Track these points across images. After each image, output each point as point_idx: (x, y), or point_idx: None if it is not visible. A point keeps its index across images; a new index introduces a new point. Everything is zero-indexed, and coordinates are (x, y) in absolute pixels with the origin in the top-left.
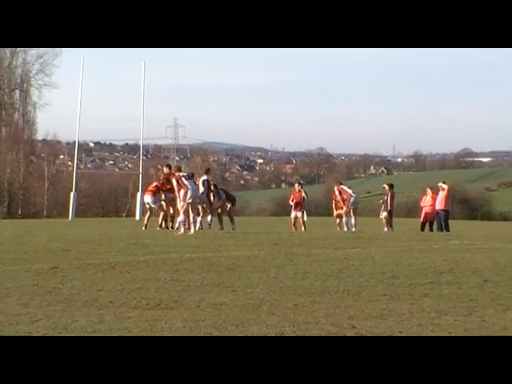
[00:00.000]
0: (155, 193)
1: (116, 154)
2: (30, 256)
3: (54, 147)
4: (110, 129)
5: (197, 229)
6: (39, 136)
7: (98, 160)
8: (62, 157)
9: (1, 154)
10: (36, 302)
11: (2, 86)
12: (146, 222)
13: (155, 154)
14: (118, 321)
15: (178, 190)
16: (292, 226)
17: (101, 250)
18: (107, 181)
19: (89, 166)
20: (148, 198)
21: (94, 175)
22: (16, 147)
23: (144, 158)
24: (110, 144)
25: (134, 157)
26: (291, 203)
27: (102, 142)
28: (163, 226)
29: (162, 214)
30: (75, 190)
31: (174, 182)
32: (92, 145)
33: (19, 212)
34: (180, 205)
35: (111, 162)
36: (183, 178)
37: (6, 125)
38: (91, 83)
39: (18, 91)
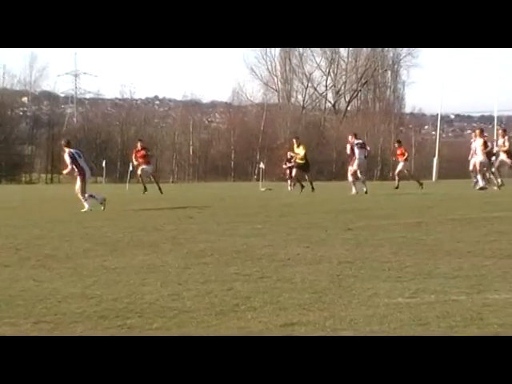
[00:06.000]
0: None
1: (473, 124)
2: (398, 212)
3: (419, 119)
4: (468, 102)
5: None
6: (407, 110)
7: (457, 130)
8: (426, 127)
9: (375, 125)
10: (404, 251)
11: (377, 67)
12: None
13: (509, 124)
14: (475, 268)
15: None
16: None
17: (458, 206)
18: (465, 148)
19: (449, 134)
20: None
21: (454, 143)
22: (387, 119)
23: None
24: (468, 116)
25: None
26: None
27: (461, 114)
28: None
29: None
30: (438, 156)
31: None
32: (452, 117)
33: (390, 175)
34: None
35: (469, 131)
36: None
37: (379, 100)
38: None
39: (389, 71)
